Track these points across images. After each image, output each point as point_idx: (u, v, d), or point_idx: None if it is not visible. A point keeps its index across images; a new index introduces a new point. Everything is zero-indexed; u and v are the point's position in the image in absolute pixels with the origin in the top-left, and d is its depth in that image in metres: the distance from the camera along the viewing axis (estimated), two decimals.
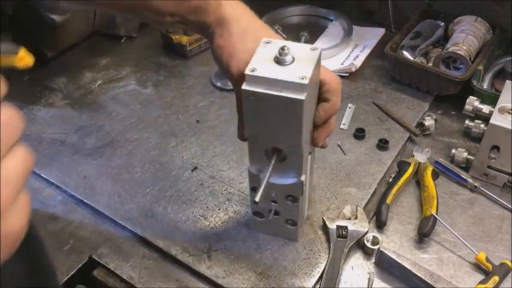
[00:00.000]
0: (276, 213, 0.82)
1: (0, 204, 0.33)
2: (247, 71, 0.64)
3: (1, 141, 0.34)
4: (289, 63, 0.65)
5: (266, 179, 0.68)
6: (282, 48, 0.64)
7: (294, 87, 0.63)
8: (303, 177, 0.74)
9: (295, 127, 0.67)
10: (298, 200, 0.77)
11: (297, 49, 0.66)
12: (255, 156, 0.74)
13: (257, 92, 0.64)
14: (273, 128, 0.68)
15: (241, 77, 0.66)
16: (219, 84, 1.21)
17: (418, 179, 0.98)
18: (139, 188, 0.99)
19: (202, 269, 0.84)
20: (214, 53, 0.72)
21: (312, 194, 0.93)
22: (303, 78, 0.62)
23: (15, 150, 0.36)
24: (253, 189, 0.78)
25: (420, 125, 1.09)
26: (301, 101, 0.62)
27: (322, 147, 0.77)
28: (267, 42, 0.68)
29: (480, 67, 1.12)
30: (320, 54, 0.67)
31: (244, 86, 0.64)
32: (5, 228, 0.34)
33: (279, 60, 0.65)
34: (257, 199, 0.65)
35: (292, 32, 1.39)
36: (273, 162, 0.70)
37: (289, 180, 0.75)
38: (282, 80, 0.63)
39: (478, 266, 0.84)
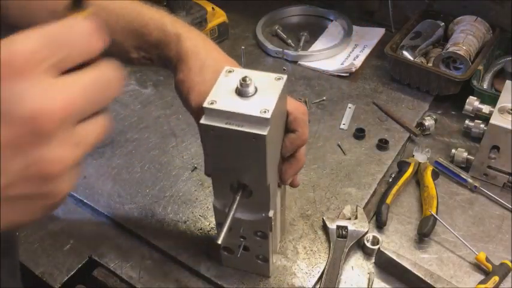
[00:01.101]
0: (246, 248, 0.77)
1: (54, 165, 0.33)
2: (205, 104, 0.60)
3: (86, 103, 0.34)
4: (252, 95, 0.60)
5: (229, 218, 0.63)
6: (244, 79, 0.60)
7: (255, 121, 0.58)
8: (270, 213, 0.70)
9: (259, 163, 0.62)
10: (268, 236, 0.74)
11: (261, 79, 0.62)
12: (219, 191, 0.70)
13: (216, 126, 0.59)
14: (236, 162, 0.64)
15: (201, 111, 0.62)
16: None
17: (418, 179, 0.98)
18: (139, 188, 0.99)
19: (202, 269, 0.84)
20: (176, 88, 0.70)
21: (285, 224, 0.89)
22: (265, 112, 0.58)
23: (97, 117, 0.36)
24: (220, 225, 0.74)
25: (420, 125, 1.09)
26: (263, 136, 0.58)
27: (292, 185, 0.69)
28: (230, 71, 0.63)
29: (480, 67, 1.12)
30: (285, 83, 0.63)
31: (203, 120, 0.60)
32: (57, 188, 0.34)
33: (240, 92, 0.60)
34: (219, 241, 0.59)
35: (292, 32, 1.39)
36: (237, 198, 0.66)
37: (257, 216, 0.71)
38: (243, 114, 0.58)
39: (478, 266, 0.84)
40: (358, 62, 1.27)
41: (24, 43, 0.31)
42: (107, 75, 0.35)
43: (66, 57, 0.33)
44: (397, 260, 0.81)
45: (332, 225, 0.88)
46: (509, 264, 0.81)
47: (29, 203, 0.34)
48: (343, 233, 0.86)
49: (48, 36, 0.32)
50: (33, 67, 0.31)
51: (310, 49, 1.33)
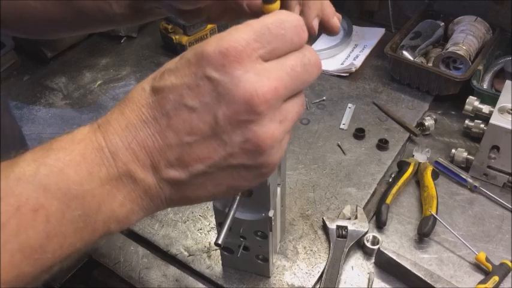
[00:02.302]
0: (245, 248, 0.78)
1: (267, 139, 0.39)
2: None
3: (292, 84, 0.39)
4: None
5: (229, 218, 0.62)
6: None
7: None
8: (270, 213, 0.70)
9: None
10: (268, 236, 0.74)
11: None
12: None
13: None
14: None
15: None
16: None
17: (418, 179, 0.98)
18: None
19: (203, 269, 0.84)
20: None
21: (285, 224, 0.89)
22: None
23: (298, 96, 0.41)
24: (220, 225, 0.74)
25: (420, 125, 1.09)
26: None
27: (331, 30, 0.55)
28: None
29: (480, 67, 1.12)
30: None
31: None
32: (269, 159, 0.40)
33: None
34: (219, 241, 0.58)
35: None
36: (237, 198, 0.64)
37: (257, 216, 0.71)
38: None
39: (478, 266, 0.84)
40: (358, 62, 1.27)
41: (239, 36, 0.37)
42: (308, 58, 0.40)
43: (276, 48, 0.38)
44: (397, 260, 0.81)
45: (332, 225, 0.88)
46: (509, 264, 0.81)
47: (246, 171, 0.40)
48: (343, 233, 0.86)
49: (259, 30, 0.38)
50: (247, 56, 0.37)
51: None
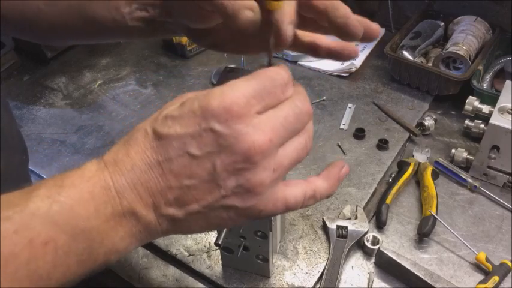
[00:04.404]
0: (245, 248, 0.78)
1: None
2: None
3: (286, 133, 0.43)
4: None
5: None
6: None
7: None
8: None
9: None
10: (268, 236, 0.74)
11: None
12: None
13: None
14: None
15: None
16: None
17: (418, 179, 0.98)
18: None
19: (203, 269, 0.84)
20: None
21: (285, 224, 0.89)
22: None
23: (292, 142, 0.44)
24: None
25: (420, 125, 1.09)
26: None
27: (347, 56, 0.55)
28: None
29: (480, 67, 1.12)
30: None
31: None
32: (257, 204, 0.43)
33: None
34: (219, 241, 0.59)
35: None
36: None
37: None
38: None
39: (478, 266, 0.84)
40: (358, 62, 1.27)
41: (240, 94, 0.41)
42: (299, 109, 0.44)
43: (269, 103, 0.43)
44: (397, 260, 0.81)
45: (332, 225, 0.88)
46: (509, 264, 0.81)
47: (234, 212, 0.43)
48: (343, 233, 0.86)
49: (256, 88, 0.42)
50: (247, 112, 0.41)
51: None
